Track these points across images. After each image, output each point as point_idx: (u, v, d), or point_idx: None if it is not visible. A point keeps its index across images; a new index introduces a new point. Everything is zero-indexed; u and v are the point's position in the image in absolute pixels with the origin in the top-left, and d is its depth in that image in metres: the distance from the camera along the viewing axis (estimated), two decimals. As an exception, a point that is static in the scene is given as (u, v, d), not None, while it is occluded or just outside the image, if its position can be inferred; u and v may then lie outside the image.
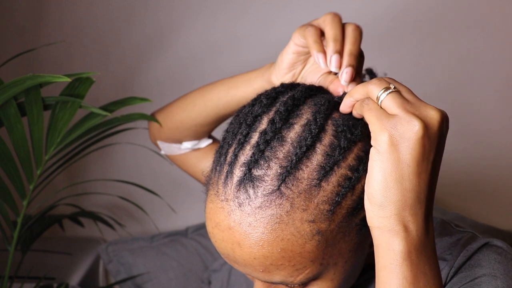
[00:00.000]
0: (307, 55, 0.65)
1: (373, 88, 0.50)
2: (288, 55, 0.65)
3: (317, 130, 0.52)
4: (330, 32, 0.60)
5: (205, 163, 0.85)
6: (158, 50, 1.44)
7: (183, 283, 1.24)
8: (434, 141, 0.47)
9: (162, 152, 0.90)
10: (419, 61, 1.38)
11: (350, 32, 0.60)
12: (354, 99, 0.53)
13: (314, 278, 0.55)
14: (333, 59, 0.58)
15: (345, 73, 0.58)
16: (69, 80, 0.72)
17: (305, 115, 0.54)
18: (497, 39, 1.34)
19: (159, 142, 0.89)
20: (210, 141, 0.87)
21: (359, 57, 0.61)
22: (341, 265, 0.55)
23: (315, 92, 0.58)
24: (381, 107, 0.50)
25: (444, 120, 0.48)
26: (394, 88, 0.49)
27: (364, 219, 0.55)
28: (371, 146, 0.50)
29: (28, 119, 0.79)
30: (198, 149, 0.87)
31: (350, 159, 0.53)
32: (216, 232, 0.54)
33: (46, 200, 1.10)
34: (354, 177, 0.53)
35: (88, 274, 1.39)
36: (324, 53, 0.59)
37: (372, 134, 0.49)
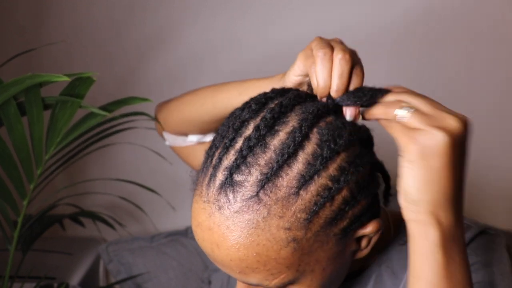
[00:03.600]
0: None
1: (389, 113, 0.53)
2: (294, 77, 0.64)
3: (300, 138, 0.53)
4: (318, 73, 0.58)
5: None
6: (158, 50, 1.44)
7: (183, 282, 1.24)
8: (459, 149, 0.50)
9: (167, 143, 0.90)
10: (419, 62, 1.38)
11: (337, 64, 0.58)
12: (376, 118, 0.55)
13: (290, 283, 0.56)
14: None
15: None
16: (68, 79, 0.72)
17: (291, 122, 0.54)
18: (496, 41, 1.34)
19: (164, 133, 0.89)
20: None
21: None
22: (319, 272, 0.56)
23: (305, 99, 0.58)
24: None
25: (466, 126, 0.51)
26: (411, 108, 0.51)
27: (344, 229, 0.55)
28: (358, 156, 0.54)
29: (28, 118, 0.79)
30: (203, 142, 0.87)
31: (332, 169, 0.53)
32: (198, 231, 0.56)
33: (46, 199, 1.10)
34: (334, 187, 0.53)
35: (88, 274, 1.39)
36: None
37: (399, 146, 0.51)
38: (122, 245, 1.31)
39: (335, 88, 0.57)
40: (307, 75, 0.63)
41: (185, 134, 0.86)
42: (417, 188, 0.50)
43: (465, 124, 0.51)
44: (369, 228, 0.58)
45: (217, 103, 0.78)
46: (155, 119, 0.91)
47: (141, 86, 1.45)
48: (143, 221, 1.56)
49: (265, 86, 0.70)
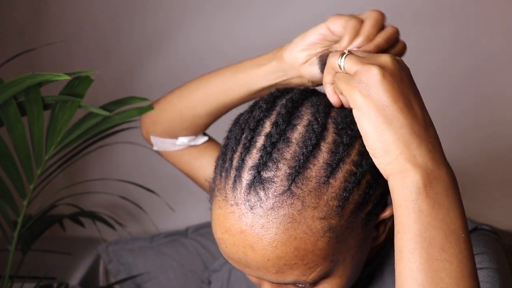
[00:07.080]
0: (332, 42, 0.65)
1: (332, 62, 0.54)
2: (314, 35, 0.65)
3: (320, 129, 0.54)
4: (365, 32, 0.62)
5: (200, 161, 0.84)
6: (158, 50, 1.44)
7: (183, 283, 1.24)
8: (399, 76, 0.49)
9: (155, 148, 0.87)
10: (423, 52, 1.38)
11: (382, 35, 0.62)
12: (330, 83, 0.56)
13: (325, 275, 0.56)
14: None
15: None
16: (68, 78, 0.71)
17: (306, 116, 0.56)
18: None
19: (152, 138, 0.86)
20: (206, 138, 0.85)
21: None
22: (349, 261, 0.57)
23: (310, 94, 0.61)
24: (346, 72, 0.52)
25: (396, 60, 0.51)
26: (348, 51, 0.53)
27: (369, 213, 0.56)
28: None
29: (28, 118, 0.79)
30: (194, 146, 0.84)
31: (354, 154, 0.55)
32: (227, 237, 0.55)
33: (46, 200, 1.10)
34: (359, 172, 0.54)
35: (88, 274, 1.39)
36: None
37: (347, 98, 0.51)
38: (122, 245, 1.31)
39: (366, 29, 0.60)
40: (328, 38, 0.64)
41: (175, 136, 0.83)
42: (378, 131, 0.49)
43: (394, 57, 0.51)
44: (388, 211, 0.59)
45: (210, 87, 0.77)
46: (151, 106, 0.86)
47: (140, 85, 1.45)
48: (143, 221, 1.56)
49: (264, 59, 0.71)
